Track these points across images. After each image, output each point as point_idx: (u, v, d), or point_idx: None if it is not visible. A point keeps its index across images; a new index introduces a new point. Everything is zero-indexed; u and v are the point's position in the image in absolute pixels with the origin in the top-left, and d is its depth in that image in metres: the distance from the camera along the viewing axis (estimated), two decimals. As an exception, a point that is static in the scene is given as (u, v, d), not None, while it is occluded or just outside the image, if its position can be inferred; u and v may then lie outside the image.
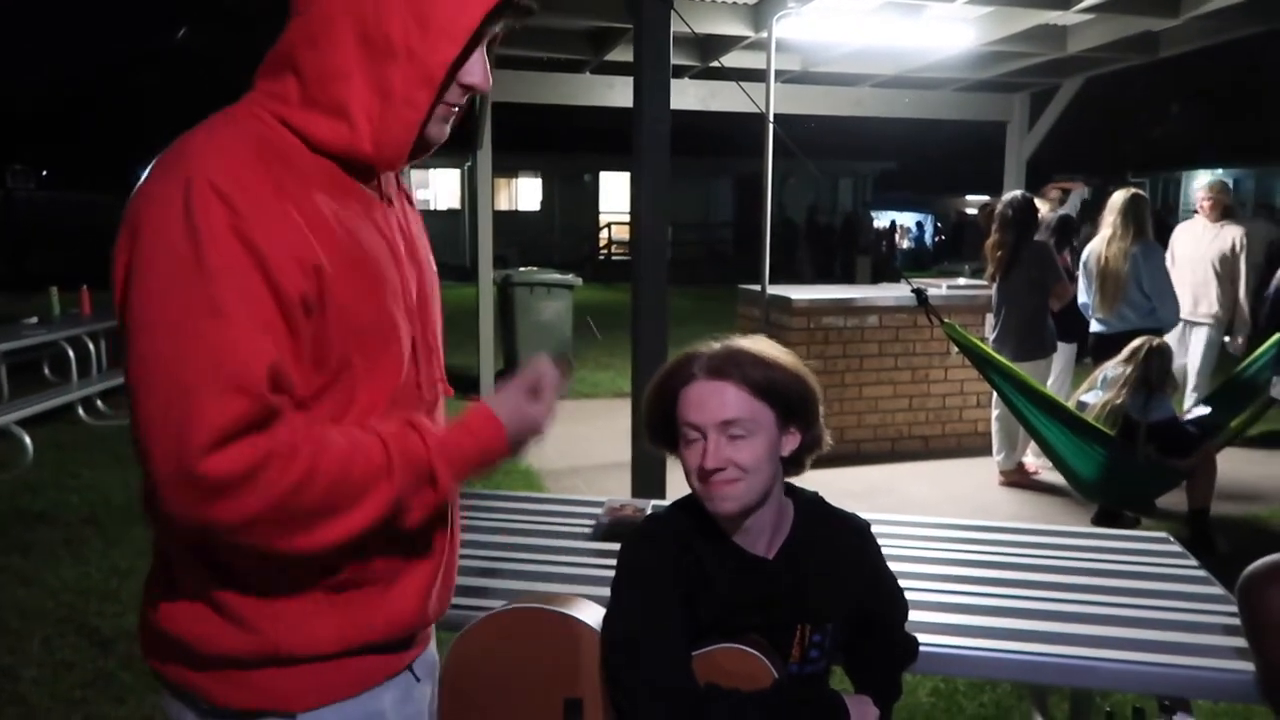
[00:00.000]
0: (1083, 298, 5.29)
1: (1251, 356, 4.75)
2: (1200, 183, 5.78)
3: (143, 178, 1.00)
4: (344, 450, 1.03)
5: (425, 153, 1.15)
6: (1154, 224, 5.32)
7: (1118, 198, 5.14)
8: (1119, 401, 4.41)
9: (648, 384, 1.44)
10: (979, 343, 4.81)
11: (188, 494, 0.95)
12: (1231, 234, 5.95)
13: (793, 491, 1.48)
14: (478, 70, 1.09)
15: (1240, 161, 26.17)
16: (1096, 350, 5.26)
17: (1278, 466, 5.84)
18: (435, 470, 1.10)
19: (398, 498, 1.07)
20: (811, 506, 1.48)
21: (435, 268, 1.28)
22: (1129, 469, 4.42)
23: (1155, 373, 4.41)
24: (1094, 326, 5.27)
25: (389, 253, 1.12)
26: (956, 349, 4.96)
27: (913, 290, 4.83)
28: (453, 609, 1.78)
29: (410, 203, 1.27)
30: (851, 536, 1.50)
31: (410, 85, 1.03)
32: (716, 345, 1.40)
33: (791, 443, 1.40)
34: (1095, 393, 4.56)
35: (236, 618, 1.07)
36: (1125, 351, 4.52)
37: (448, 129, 1.13)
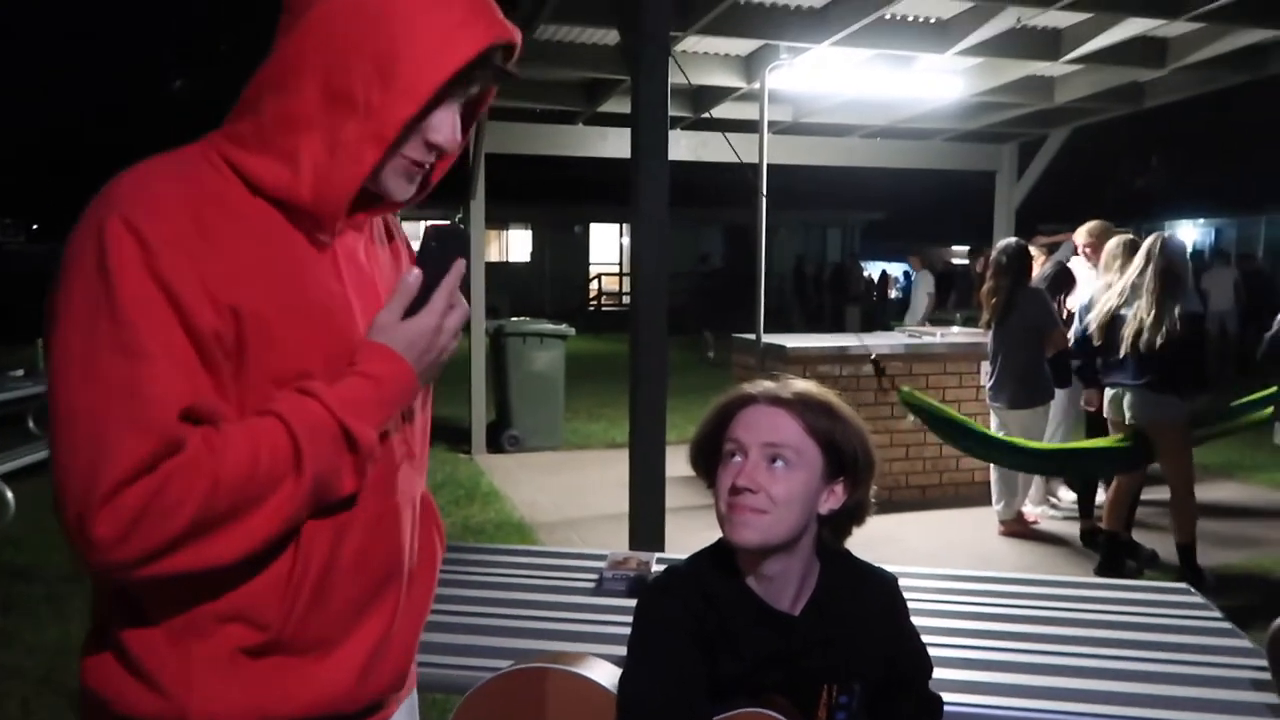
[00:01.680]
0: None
1: (1251, 398, 4.73)
2: (1083, 228, 5.67)
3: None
4: (245, 449, 0.97)
5: (393, 208, 1.12)
6: None
7: (1115, 242, 5.13)
8: (1145, 305, 4.41)
9: (705, 412, 1.40)
10: (940, 405, 4.85)
11: (86, 546, 0.93)
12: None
13: (821, 548, 1.41)
14: (445, 128, 1.06)
15: (1221, 211, 26.57)
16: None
17: (1276, 515, 5.79)
18: (347, 428, 1.01)
19: (317, 474, 0.99)
20: (839, 561, 1.42)
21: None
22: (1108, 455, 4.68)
23: (1177, 264, 4.46)
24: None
25: (343, 304, 1.07)
26: (912, 418, 4.99)
27: (870, 360, 4.85)
28: (453, 670, 1.70)
29: (399, 253, 1.22)
30: (880, 593, 1.44)
31: (361, 140, 1.01)
32: (786, 380, 1.37)
33: (834, 500, 1.35)
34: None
35: (149, 678, 1.01)
36: (1140, 252, 4.55)
37: (412, 186, 1.10)
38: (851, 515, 1.38)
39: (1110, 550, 4.72)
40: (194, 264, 0.95)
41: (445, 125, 1.06)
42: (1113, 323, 4.55)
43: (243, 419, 0.99)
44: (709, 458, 1.37)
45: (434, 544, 1.25)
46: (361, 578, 1.09)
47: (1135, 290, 4.50)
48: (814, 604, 1.36)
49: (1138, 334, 4.42)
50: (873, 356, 4.71)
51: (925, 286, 12.82)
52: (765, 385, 1.36)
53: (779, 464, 1.29)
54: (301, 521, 1.02)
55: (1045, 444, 5.04)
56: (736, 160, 4.68)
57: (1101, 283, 5.09)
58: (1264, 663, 1.71)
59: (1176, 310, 4.39)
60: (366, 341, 1.06)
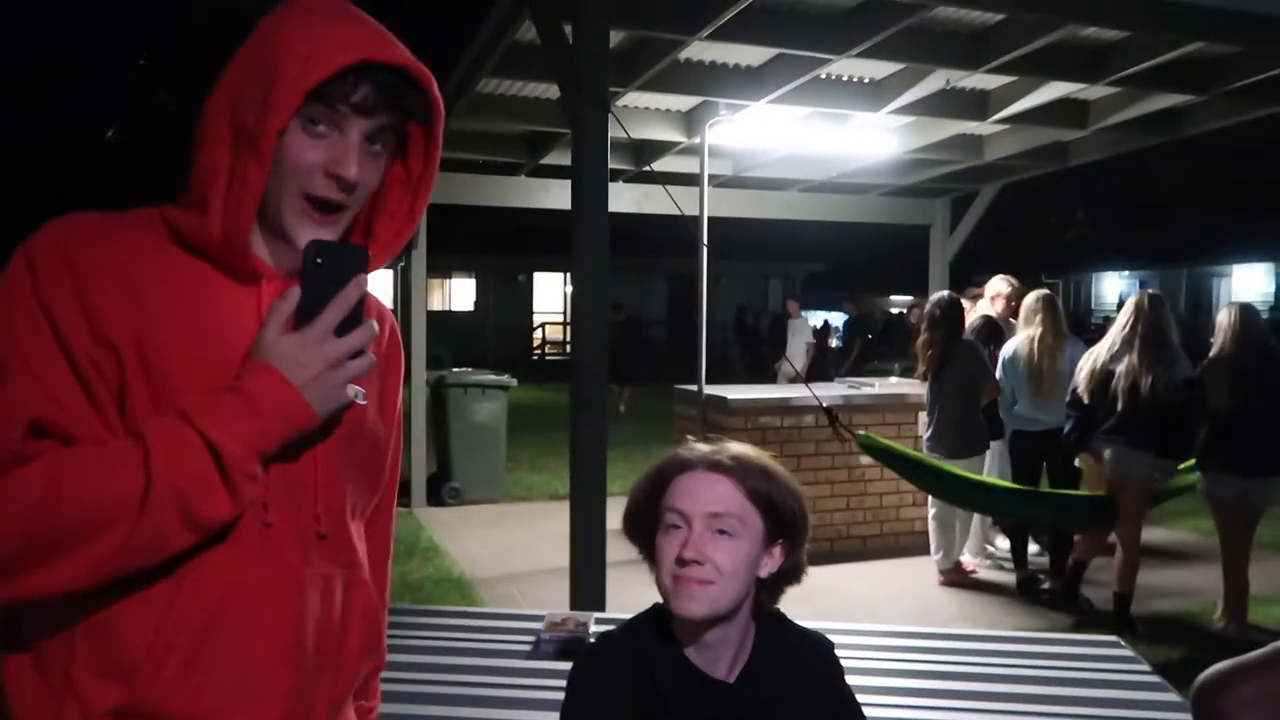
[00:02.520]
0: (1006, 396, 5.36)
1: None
2: (985, 282, 5.86)
3: None
4: (93, 460, 0.95)
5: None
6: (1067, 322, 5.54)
7: (1034, 297, 5.32)
8: (1135, 361, 4.51)
9: (637, 477, 1.38)
10: (895, 444, 4.92)
11: None
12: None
13: (757, 611, 1.39)
14: (346, 161, 1.03)
15: (1145, 264, 27.62)
16: (1020, 449, 5.34)
17: (1201, 564, 5.93)
18: (209, 438, 0.95)
19: (173, 484, 0.93)
20: (774, 625, 1.41)
21: (379, 376, 1.17)
22: (1069, 506, 4.88)
23: (1159, 320, 4.59)
24: (1020, 425, 5.33)
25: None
26: (868, 459, 5.05)
27: (823, 408, 4.92)
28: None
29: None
30: (815, 658, 1.42)
31: (247, 163, 1.01)
32: (721, 444, 1.36)
33: (772, 563, 1.34)
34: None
35: None
36: (1127, 309, 4.68)
37: (320, 229, 1.04)
38: (788, 576, 1.37)
39: (1073, 579, 4.89)
40: (77, 295, 0.99)
41: (351, 158, 1.03)
42: (1105, 380, 4.61)
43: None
44: (644, 526, 1.35)
45: (362, 637, 1.14)
46: (248, 652, 1.02)
47: (1127, 346, 4.59)
48: (750, 670, 1.34)
49: (1132, 390, 4.51)
50: (833, 414, 4.81)
51: (804, 335, 12.64)
52: (701, 450, 1.34)
53: (723, 533, 1.28)
54: (172, 554, 0.96)
55: (1011, 484, 5.08)
56: (678, 213, 4.74)
57: (1024, 335, 5.25)
58: (1188, 716, 1.73)
59: (1169, 366, 4.52)
60: (245, 360, 1.01)
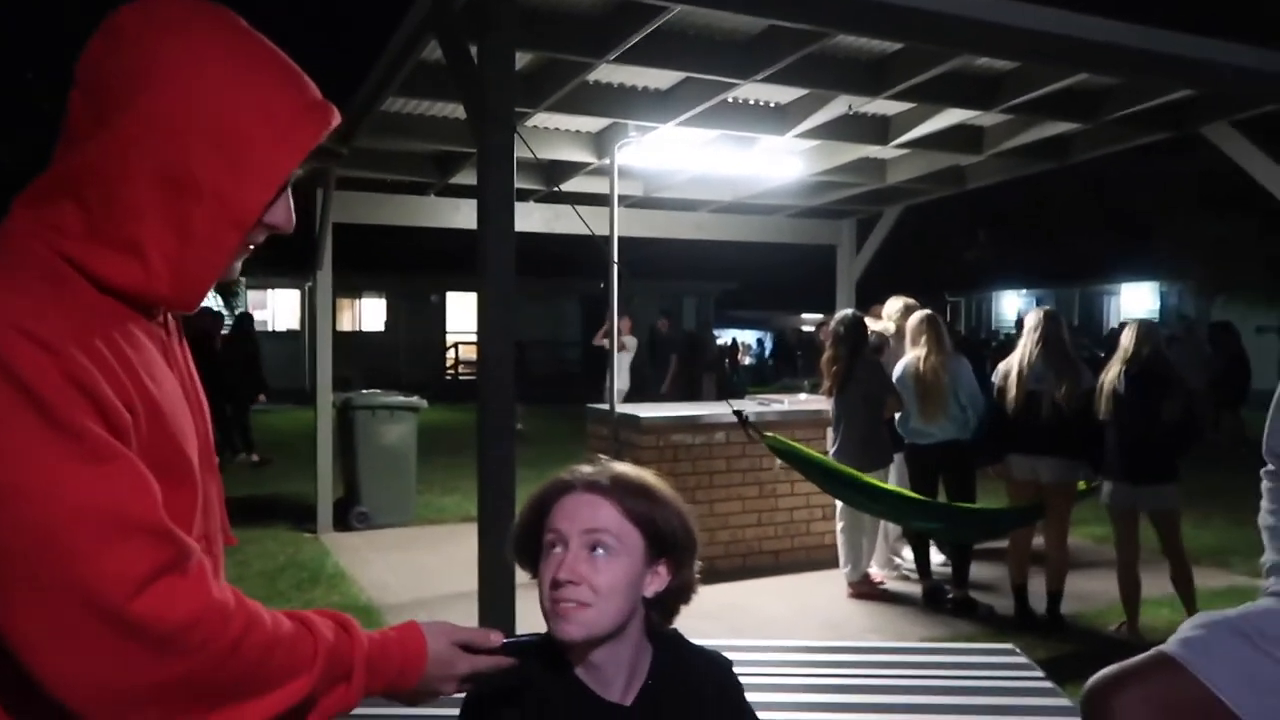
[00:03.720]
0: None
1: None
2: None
3: None
4: (272, 626, 0.97)
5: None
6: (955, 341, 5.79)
7: (918, 318, 5.53)
8: (1054, 373, 4.81)
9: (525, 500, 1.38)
10: (804, 448, 5.02)
11: (124, 650, 0.85)
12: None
13: (651, 632, 1.39)
14: (281, 211, 1.06)
15: (1040, 283, 28.82)
16: (916, 462, 5.51)
17: (1096, 571, 6.18)
18: (355, 672, 1.05)
19: (313, 691, 0.99)
20: (670, 646, 1.41)
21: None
22: (970, 518, 5.08)
23: (1061, 334, 4.97)
24: (913, 438, 5.48)
25: (181, 394, 1.05)
26: (781, 463, 5.15)
27: (733, 411, 5.01)
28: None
29: (182, 340, 1.18)
30: (713, 677, 1.43)
31: (218, 227, 0.98)
32: (603, 465, 1.36)
33: (658, 582, 1.33)
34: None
35: None
36: (1030, 320, 5.04)
37: (239, 266, 1.09)
38: (677, 595, 1.37)
39: (1020, 599, 5.10)
40: (95, 363, 0.90)
41: (282, 208, 1.06)
42: (1030, 397, 4.87)
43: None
44: (529, 549, 1.34)
45: None
46: None
47: (1042, 359, 4.88)
48: (646, 692, 1.34)
49: (1052, 402, 4.81)
50: (743, 415, 4.91)
51: (628, 359, 11.35)
52: (582, 471, 1.35)
53: (600, 552, 1.28)
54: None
55: (915, 495, 5.20)
56: (588, 232, 4.76)
57: (911, 356, 5.46)
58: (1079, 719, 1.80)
59: (1079, 376, 4.85)
60: (419, 626, 1.15)
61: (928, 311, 5.63)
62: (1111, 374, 4.73)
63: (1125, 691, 1.66)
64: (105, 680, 0.86)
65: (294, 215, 1.08)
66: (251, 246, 1.07)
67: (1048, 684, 2.19)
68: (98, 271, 0.95)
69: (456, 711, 1.31)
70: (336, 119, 1.06)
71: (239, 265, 1.08)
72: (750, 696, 1.47)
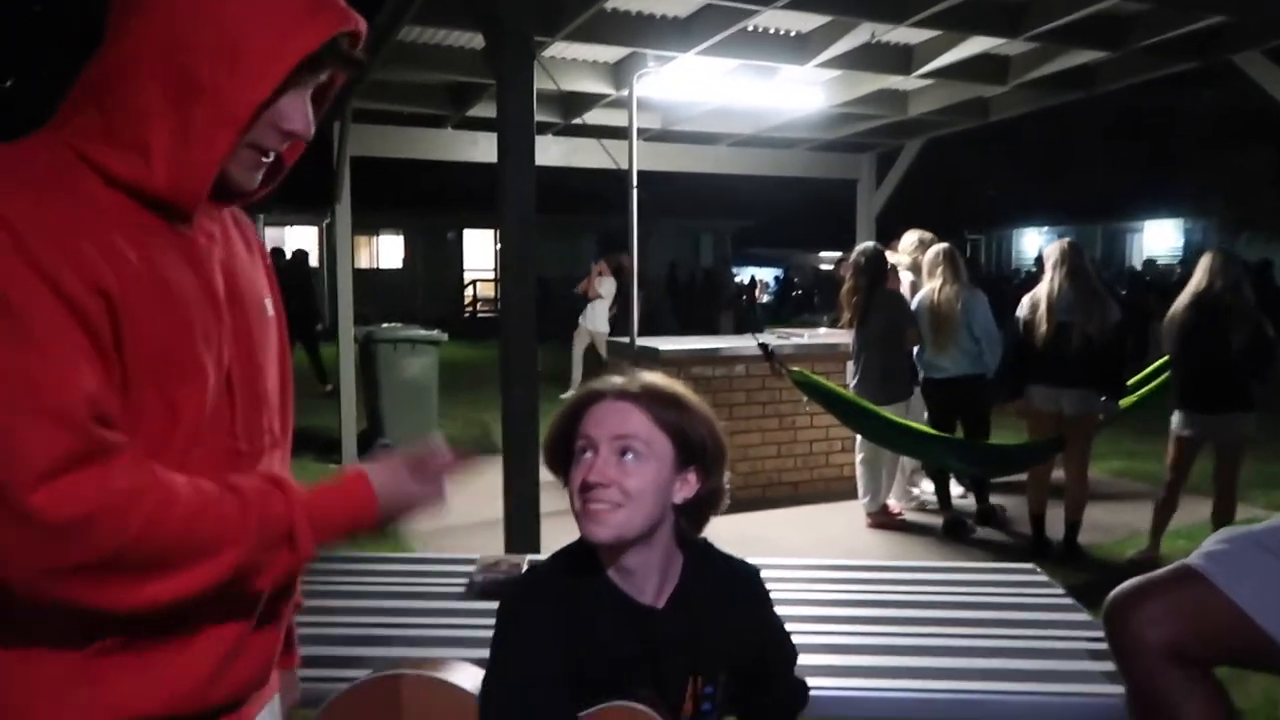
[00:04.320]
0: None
1: (1143, 375, 5.15)
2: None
3: None
4: (193, 501, 0.97)
5: (240, 200, 1.13)
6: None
7: (933, 253, 5.50)
8: (1082, 306, 4.78)
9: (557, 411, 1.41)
10: (828, 383, 5.02)
11: (17, 537, 0.87)
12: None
13: (682, 539, 1.43)
14: (298, 116, 1.06)
15: (1062, 220, 28.43)
16: (932, 399, 5.52)
17: (1113, 503, 6.21)
18: (295, 531, 1.04)
19: (250, 558, 1.00)
20: (701, 553, 1.45)
21: (278, 314, 1.21)
22: (990, 454, 5.09)
23: (1086, 265, 4.94)
24: (928, 372, 5.50)
25: (202, 292, 1.06)
26: (807, 398, 5.16)
27: (759, 344, 5.02)
28: (318, 682, 1.65)
29: (252, 246, 1.21)
30: (741, 583, 1.47)
31: (212, 124, 1.00)
32: (634, 375, 1.38)
33: (687, 489, 1.36)
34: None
35: None
36: (1053, 253, 4.99)
37: (258, 176, 1.10)
38: (706, 503, 1.40)
39: (1037, 529, 5.15)
40: (65, 249, 0.92)
41: (297, 112, 1.06)
42: (1060, 328, 4.81)
43: (189, 476, 0.99)
44: (562, 457, 1.38)
45: None
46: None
47: (1069, 292, 4.82)
48: (677, 596, 1.38)
49: (1083, 334, 4.76)
50: (769, 348, 4.94)
51: (608, 296, 10.99)
52: (613, 381, 1.37)
53: (629, 457, 1.31)
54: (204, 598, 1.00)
55: (937, 432, 5.21)
56: (608, 165, 4.72)
57: (927, 288, 5.44)
58: (1101, 634, 1.83)
59: (1106, 309, 4.80)
60: (360, 468, 1.13)
61: (946, 245, 5.59)
62: (1181, 304, 4.69)
63: (1148, 603, 1.68)
64: (6, 558, 0.89)
65: (313, 122, 1.08)
66: (270, 156, 1.08)
67: (1069, 600, 2.23)
68: (107, 167, 0.99)
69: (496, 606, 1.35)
70: (350, 24, 1.06)
71: (257, 177, 1.09)
72: (778, 611, 1.52)
